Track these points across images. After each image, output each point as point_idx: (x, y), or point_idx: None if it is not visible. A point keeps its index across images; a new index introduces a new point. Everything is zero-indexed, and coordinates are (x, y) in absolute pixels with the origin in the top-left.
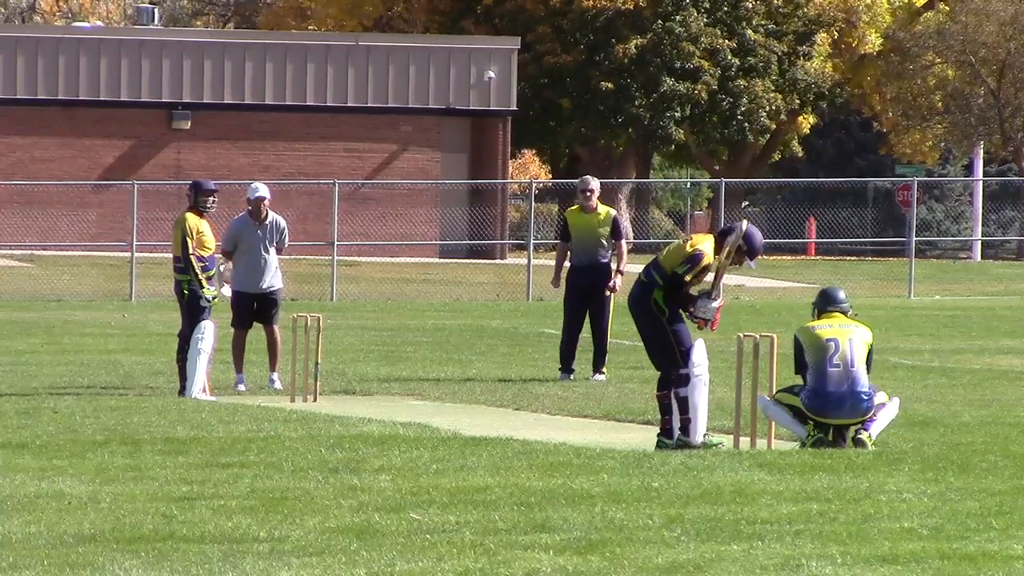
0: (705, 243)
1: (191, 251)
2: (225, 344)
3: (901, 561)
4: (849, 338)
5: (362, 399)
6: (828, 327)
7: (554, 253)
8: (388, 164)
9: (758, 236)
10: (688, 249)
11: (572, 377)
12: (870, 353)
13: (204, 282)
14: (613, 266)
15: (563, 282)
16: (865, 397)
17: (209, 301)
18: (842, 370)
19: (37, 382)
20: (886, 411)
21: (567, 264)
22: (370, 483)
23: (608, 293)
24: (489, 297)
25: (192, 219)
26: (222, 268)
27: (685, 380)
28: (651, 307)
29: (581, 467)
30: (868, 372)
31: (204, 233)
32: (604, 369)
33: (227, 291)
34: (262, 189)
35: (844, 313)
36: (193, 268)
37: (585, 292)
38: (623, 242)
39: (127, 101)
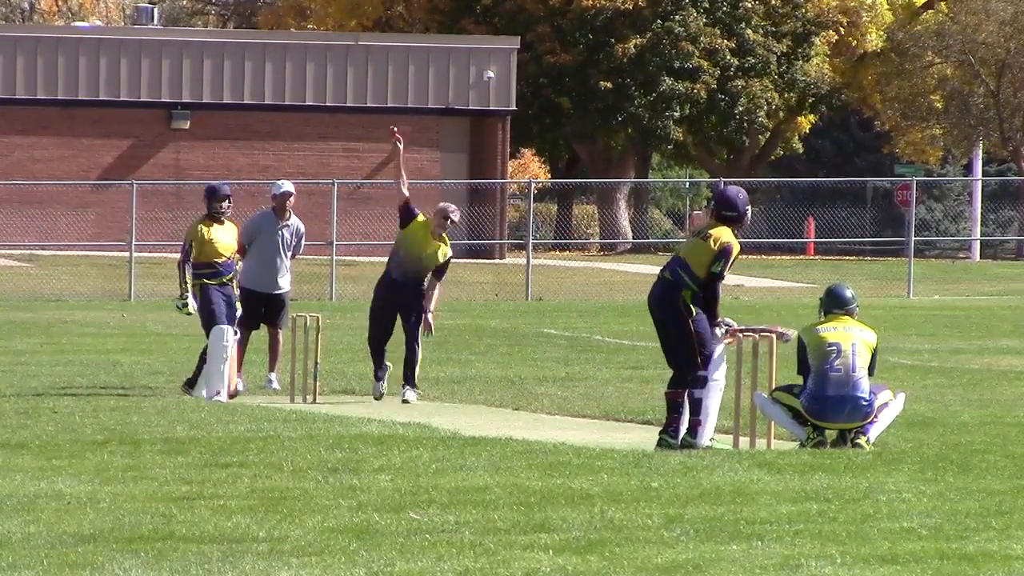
0: (726, 234)
1: (184, 259)
2: None
3: (901, 561)
4: (852, 343)
5: (362, 399)
6: (832, 330)
7: (552, 252)
8: (387, 164)
9: (733, 196)
10: (715, 247)
11: (385, 382)
12: (874, 355)
13: (189, 292)
14: (427, 304)
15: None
16: (865, 403)
17: (183, 309)
18: (843, 375)
19: (36, 382)
20: (889, 410)
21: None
22: (370, 483)
23: (425, 332)
24: (488, 297)
25: (198, 230)
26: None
27: (703, 382)
28: (679, 307)
29: (580, 467)
30: (872, 374)
31: (215, 240)
32: (415, 384)
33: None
34: (287, 184)
35: (851, 315)
36: (182, 276)
37: (397, 309)
38: (440, 285)
39: (126, 101)
